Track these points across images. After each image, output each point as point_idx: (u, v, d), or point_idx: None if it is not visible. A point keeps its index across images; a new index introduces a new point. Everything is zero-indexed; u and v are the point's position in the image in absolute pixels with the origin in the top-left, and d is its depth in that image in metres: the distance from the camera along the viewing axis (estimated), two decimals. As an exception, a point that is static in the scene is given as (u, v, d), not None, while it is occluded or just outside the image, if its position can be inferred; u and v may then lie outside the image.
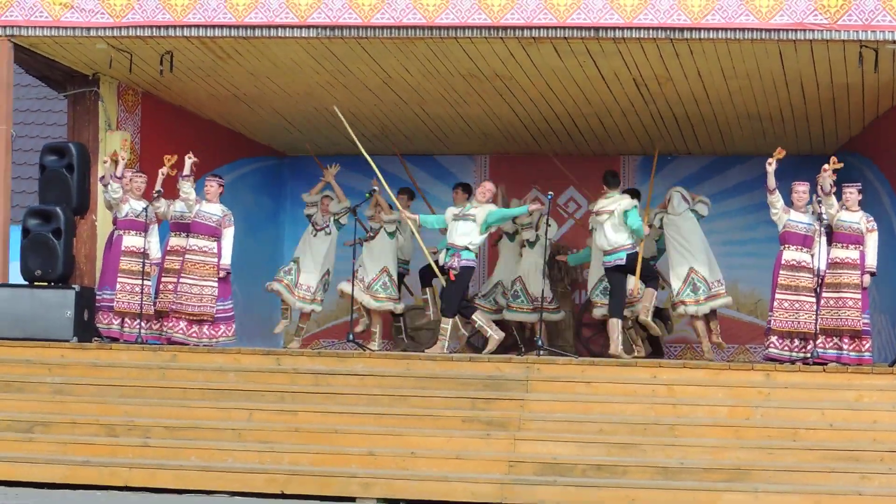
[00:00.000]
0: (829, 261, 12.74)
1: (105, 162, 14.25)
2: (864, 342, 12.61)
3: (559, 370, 12.22)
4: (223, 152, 17.01)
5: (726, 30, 12.60)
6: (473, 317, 14.11)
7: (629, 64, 13.66)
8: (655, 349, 15.24)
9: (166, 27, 13.30)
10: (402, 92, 15.16)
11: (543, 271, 14.51)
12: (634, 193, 15.14)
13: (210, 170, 15.05)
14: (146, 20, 13.28)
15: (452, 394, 11.93)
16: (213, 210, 13.92)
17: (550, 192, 14.26)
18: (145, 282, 13.80)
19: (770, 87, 14.42)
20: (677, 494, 10.58)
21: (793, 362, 12.58)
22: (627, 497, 10.59)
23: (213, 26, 13.24)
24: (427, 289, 15.33)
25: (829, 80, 14.05)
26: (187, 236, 13.89)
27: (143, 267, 13.79)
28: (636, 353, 14.85)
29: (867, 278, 12.74)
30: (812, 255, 12.82)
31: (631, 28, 12.67)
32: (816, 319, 12.61)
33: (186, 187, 13.78)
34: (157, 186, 14.10)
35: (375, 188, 14.91)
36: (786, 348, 12.76)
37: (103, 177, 14.26)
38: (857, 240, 12.72)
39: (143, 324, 13.77)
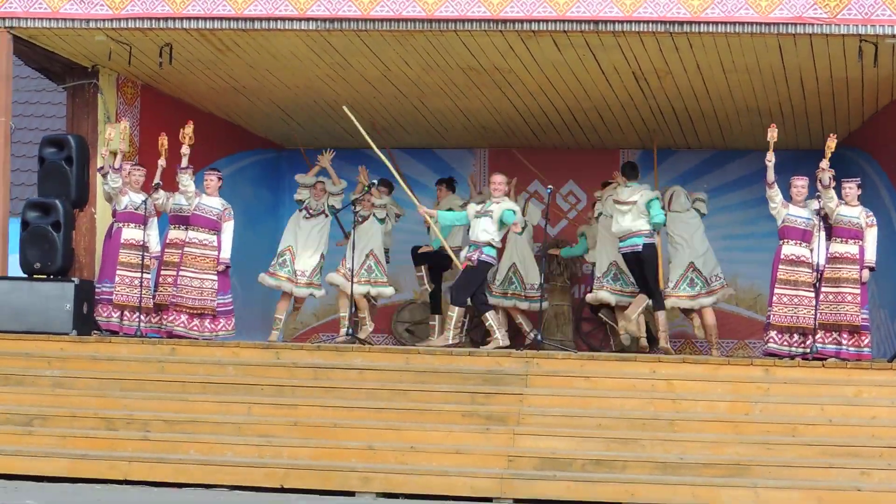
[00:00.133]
0: (829, 255, 12.74)
1: (104, 154, 14.22)
2: (863, 337, 12.61)
3: (558, 365, 12.23)
4: (222, 145, 16.99)
5: (726, 24, 12.60)
6: (487, 314, 14.07)
7: (629, 57, 13.65)
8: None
9: (165, 19, 13.28)
10: (402, 85, 15.15)
11: (543, 256, 14.50)
12: (633, 168, 15.32)
13: (209, 162, 15.03)
14: (145, 12, 13.27)
15: (452, 388, 11.93)
16: (212, 203, 13.91)
17: (550, 185, 14.30)
18: (144, 275, 13.79)
19: (769, 82, 14.41)
20: (676, 489, 10.58)
21: (792, 357, 12.58)
22: (626, 492, 10.60)
23: (213, 18, 13.23)
24: (422, 266, 15.51)
25: (828, 75, 14.04)
26: (186, 229, 13.88)
27: (143, 260, 13.78)
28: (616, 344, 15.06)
29: (866, 273, 12.73)
30: (811, 250, 12.82)
31: (630, 21, 12.67)
32: (816, 314, 12.60)
33: (185, 180, 13.76)
34: (157, 179, 14.09)
35: (375, 182, 14.91)
36: (785, 343, 12.76)
37: (102, 167, 14.25)
38: (856, 234, 12.72)
39: (142, 317, 13.75)
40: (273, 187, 18.51)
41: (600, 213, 15.04)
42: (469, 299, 14.02)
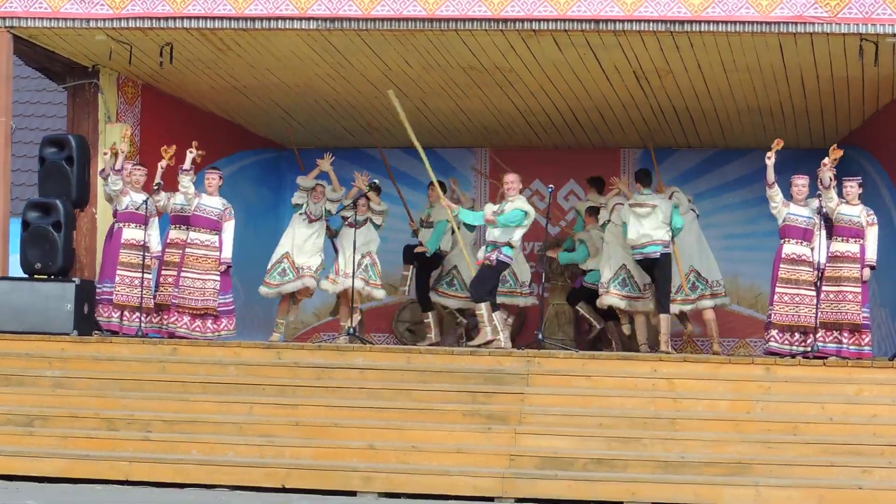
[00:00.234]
0: (829, 254, 12.74)
1: (105, 154, 14.22)
2: (863, 336, 12.61)
3: (559, 364, 12.22)
4: (223, 144, 16.98)
5: (726, 23, 12.61)
6: (493, 314, 14.02)
7: (629, 57, 13.65)
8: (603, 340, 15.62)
9: (166, 19, 13.28)
10: (403, 84, 15.14)
11: (543, 256, 14.52)
12: (598, 181, 15.64)
13: (210, 162, 15.01)
14: (146, 12, 13.27)
15: (453, 387, 11.94)
16: (213, 203, 13.91)
17: (551, 185, 14.29)
18: (145, 275, 13.78)
19: (770, 81, 14.41)
20: (678, 488, 10.58)
21: (793, 356, 12.58)
22: (628, 491, 10.59)
23: (213, 18, 13.23)
24: (410, 266, 15.53)
25: (829, 74, 14.04)
26: (187, 229, 13.87)
27: (143, 260, 13.78)
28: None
29: (867, 272, 12.73)
30: (812, 249, 12.82)
31: (631, 21, 12.67)
32: (816, 313, 12.61)
33: (186, 181, 13.76)
34: (157, 179, 14.08)
35: (376, 180, 14.90)
36: (786, 342, 12.76)
37: (103, 169, 14.24)
38: (857, 233, 12.72)
39: (142, 317, 13.75)
40: (274, 187, 18.51)
41: (607, 221, 14.99)
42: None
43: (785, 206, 12.92)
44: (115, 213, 14.15)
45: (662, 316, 14.37)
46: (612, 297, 14.68)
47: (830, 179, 12.64)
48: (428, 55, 13.95)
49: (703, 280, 14.66)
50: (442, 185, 15.91)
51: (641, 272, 14.58)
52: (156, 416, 11.75)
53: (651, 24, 12.67)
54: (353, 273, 14.54)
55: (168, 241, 14.07)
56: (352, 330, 14.09)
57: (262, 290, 14.91)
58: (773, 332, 12.80)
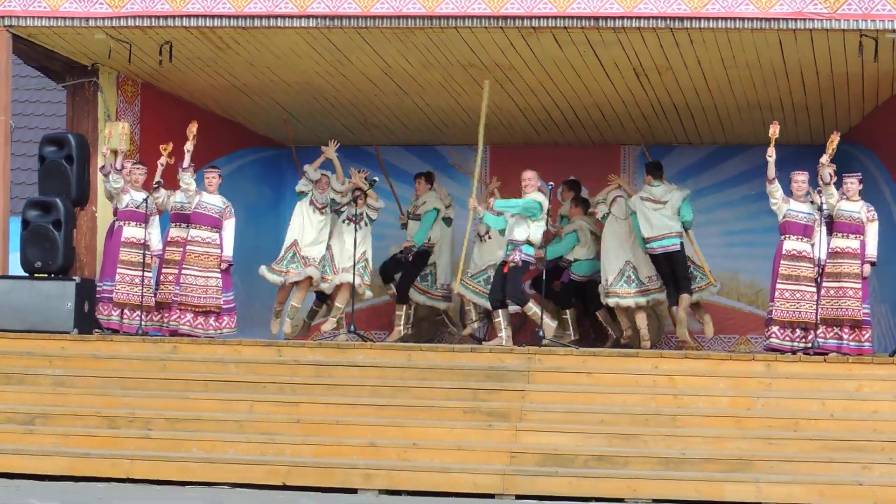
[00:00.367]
0: (830, 250, 12.74)
1: (105, 153, 14.23)
2: (864, 332, 12.61)
3: (560, 361, 12.23)
4: (223, 143, 16.98)
5: (726, 19, 12.59)
6: (499, 311, 13.98)
7: (629, 53, 13.65)
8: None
9: (165, 17, 13.28)
10: (402, 82, 15.14)
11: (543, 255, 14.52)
12: (575, 184, 15.80)
13: (210, 160, 15.02)
14: (145, 10, 13.26)
15: (454, 385, 11.94)
16: (214, 201, 13.91)
17: (551, 183, 14.27)
18: (146, 273, 13.78)
19: (770, 77, 14.41)
20: (679, 485, 10.58)
21: (794, 352, 12.58)
22: (629, 488, 10.60)
23: (213, 16, 13.23)
24: (391, 284, 15.75)
25: (828, 70, 14.03)
26: (188, 227, 13.87)
27: (144, 258, 13.78)
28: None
29: (867, 268, 12.74)
30: (812, 245, 12.82)
31: (631, 17, 12.66)
32: (817, 309, 12.61)
33: (187, 178, 13.76)
34: (157, 177, 14.08)
35: (376, 178, 14.90)
36: (787, 338, 12.76)
37: (103, 167, 14.25)
38: (857, 229, 12.72)
39: (143, 315, 13.75)
40: (274, 184, 18.50)
41: (607, 214, 15.00)
42: (499, 295, 13.97)
43: (785, 203, 12.92)
44: (115, 212, 14.15)
45: (684, 296, 14.41)
46: (618, 298, 14.68)
47: (830, 176, 12.64)
48: (427, 53, 13.95)
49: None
50: (429, 176, 15.96)
51: (647, 264, 14.62)
52: (157, 414, 11.75)
53: (651, 20, 12.66)
54: (354, 270, 14.51)
55: (168, 239, 14.07)
56: (353, 327, 14.09)
57: (271, 276, 14.81)
58: (774, 329, 12.79)
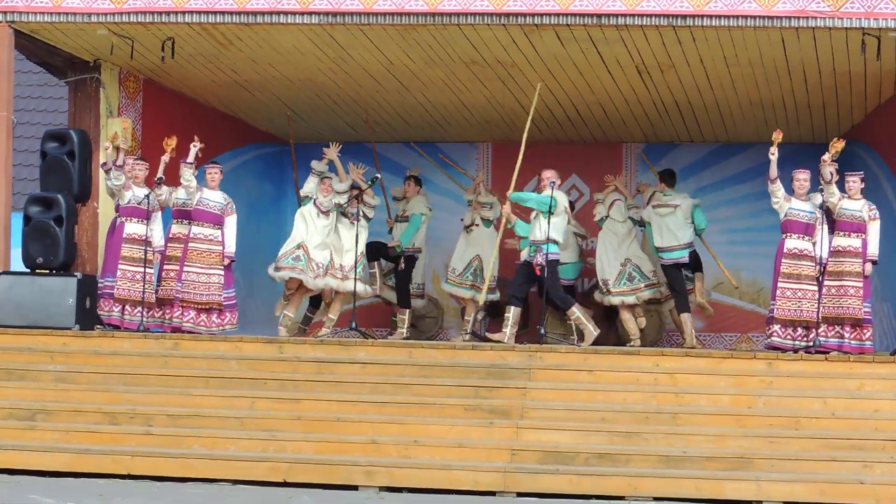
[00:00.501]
0: (831, 249, 12.74)
1: (107, 148, 14.22)
2: (865, 330, 12.61)
3: (561, 358, 12.22)
4: (225, 139, 16.98)
5: (729, 17, 12.59)
6: (511, 308, 13.92)
7: (631, 51, 13.64)
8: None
9: (167, 13, 13.27)
10: (404, 79, 15.14)
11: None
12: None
13: (212, 157, 15.03)
14: (147, 6, 13.26)
15: (455, 382, 11.94)
16: (215, 197, 13.90)
17: (554, 180, 14.26)
18: (147, 269, 13.78)
19: (772, 75, 14.40)
20: (680, 483, 10.59)
21: (795, 351, 12.58)
22: (630, 485, 10.60)
23: (215, 12, 13.22)
24: (374, 263, 15.52)
25: (831, 68, 14.03)
26: (189, 224, 13.87)
27: (145, 254, 13.78)
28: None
29: (869, 267, 12.74)
30: (814, 244, 12.81)
31: (633, 15, 12.66)
32: (819, 308, 12.61)
33: (188, 174, 13.76)
34: (159, 174, 14.08)
35: (378, 176, 14.87)
36: (788, 337, 12.76)
37: (105, 163, 14.24)
38: (859, 228, 12.71)
39: (144, 311, 13.75)
40: (276, 181, 18.51)
41: (605, 217, 14.98)
42: (514, 292, 13.94)
43: (786, 201, 12.92)
44: (116, 208, 14.15)
45: (684, 315, 14.59)
46: (622, 297, 14.68)
47: (832, 174, 12.63)
48: (430, 50, 13.94)
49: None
50: (418, 179, 15.92)
51: (650, 259, 14.68)
52: (158, 410, 11.75)
53: (653, 18, 12.66)
54: (356, 270, 14.48)
55: (170, 235, 14.07)
56: (354, 324, 14.08)
57: (279, 275, 14.64)
58: (776, 327, 12.79)
